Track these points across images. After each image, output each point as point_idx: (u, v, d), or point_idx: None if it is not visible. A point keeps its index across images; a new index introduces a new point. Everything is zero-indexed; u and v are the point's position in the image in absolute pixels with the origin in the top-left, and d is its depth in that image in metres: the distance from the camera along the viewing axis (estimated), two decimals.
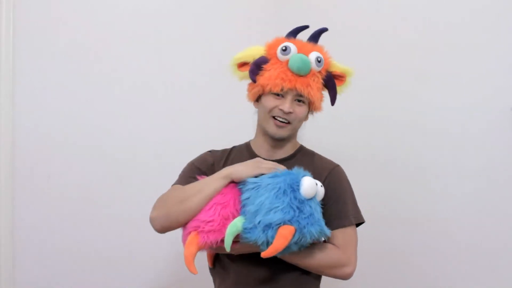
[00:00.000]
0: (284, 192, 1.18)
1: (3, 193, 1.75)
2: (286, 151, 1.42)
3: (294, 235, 1.14)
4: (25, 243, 1.78)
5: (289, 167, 1.29)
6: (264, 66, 1.34)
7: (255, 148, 1.44)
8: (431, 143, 1.82)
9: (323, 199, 1.28)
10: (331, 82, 1.38)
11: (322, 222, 1.21)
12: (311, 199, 1.19)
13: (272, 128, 1.36)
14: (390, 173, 1.94)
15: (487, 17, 1.68)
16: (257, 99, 1.40)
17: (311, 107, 1.37)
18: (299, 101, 1.34)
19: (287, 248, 1.17)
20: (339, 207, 1.33)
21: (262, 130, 1.41)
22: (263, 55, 1.36)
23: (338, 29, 2.10)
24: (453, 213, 1.76)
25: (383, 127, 1.97)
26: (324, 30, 1.40)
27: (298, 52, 1.32)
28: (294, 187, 1.18)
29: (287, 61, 1.31)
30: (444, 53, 1.78)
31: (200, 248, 1.22)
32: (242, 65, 1.38)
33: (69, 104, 1.87)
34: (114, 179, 1.94)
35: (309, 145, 1.49)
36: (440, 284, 1.78)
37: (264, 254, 1.14)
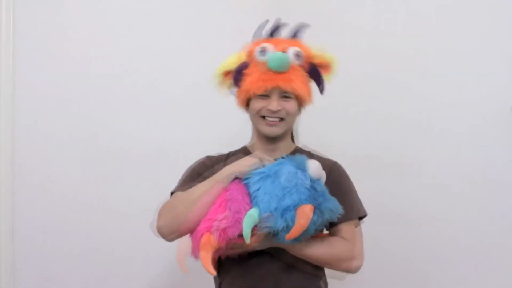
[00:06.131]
0: (294, 174, 1.19)
1: (3, 193, 1.75)
2: (282, 152, 1.42)
3: (314, 213, 1.15)
4: (25, 243, 1.78)
5: None
6: (245, 71, 1.37)
7: (253, 151, 1.45)
8: (429, 142, 1.82)
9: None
10: (316, 73, 1.39)
11: (335, 199, 1.22)
12: (318, 180, 1.21)
13: (264, 128, 1.38)
14: (387, 171, 1.94)
15: (487, 16, 1.69)
16: (247, 104, 1.41)
17: (300, 101, 1.38)
18: (285, 97, 1.36)
19: (304, 232, 1.17)
20: (346, 201, 1.32)
21: (257, 133, 1.43)
22: (245, 60, 1.38)
23: (337, 27, 2.12)
24: (451, 213, 1.75)
25: (381, 126, 1.97)
26: (303, 26, 1.41)
27: (276, 50, 1.33)
28: (303, 169, 1.20)
29: (266, 61, 1.33)
30: (444, 52, 1.78)
31: (215, 248, 1.19)
32: (226, 74, 1.41)
33: (69, 104, 1.87)
34: (114, 179, 1.94)
35: (306, 142, 1.51)
36: (438, 283, 1.79)
37: (290, 236, 1.14)
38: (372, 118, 2.00)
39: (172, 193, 1.41)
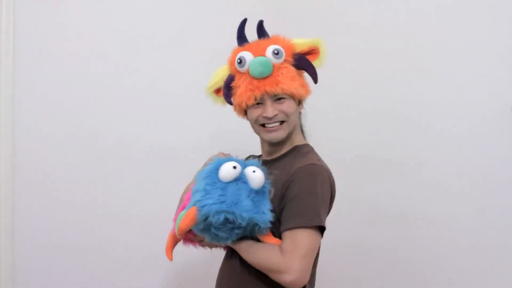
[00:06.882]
0: (203, 177, 1.23)
1: (3, 193, 1.75)
2: (281, 151, 1.39)
3: (198, 216, 1.18)
4: (25, 243, 1.78)
5: (277, 167, 1.30)
6: (232, 84, 1.34)
7: (262, 152, 1.46)
8: (430, 143, 1.82)
9: (283, 200, 1.26)
10: (303, 62, 1.33)
11: (238, 204, 1.18)
12: (232, 182, 1.21)
13: (266, 135, 1.35)
14: (388, 172, 1.94)
15: (487, 16, 1.69)
16: (246, 113, 1.39)
17: (294, 97, 1.33)
18: (279, 99, 1.31)
19: (212, 234, 1.21)
20: (292, 207, 1.23)
21: (261, 137, 1.42)
22: (229, 73, 1.36)
23: (337, 27, 2.13)
24: (451, 213, 1.76)
25: (381, 126, 1.97)
26: (261, 22, 1.37)
27: (255, 57, 1.29)
28: (212, 172, 1.22)
29: (248, 70, 1.30)
30: (444, 52, 1.78)
31: (174, 239, 1.34)
32: (218, 91, 1.40)
33: (69, 104, 1.87)
34: (114, 179, 1.94)
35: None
36: (438, 283, 1.78)
37: (177, 233, 1.23)
38: (372, 118, 2.00)
39: None
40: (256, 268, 1.24)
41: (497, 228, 1.65)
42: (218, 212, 1.17)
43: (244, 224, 1.19)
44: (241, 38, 1.38)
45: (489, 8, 1.68)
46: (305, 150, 1.38)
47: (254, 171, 1.22)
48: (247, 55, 1.30)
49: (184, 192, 1.41)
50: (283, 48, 1.31)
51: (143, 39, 2.01)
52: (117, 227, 1.92)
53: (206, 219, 1.18)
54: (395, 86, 1.93)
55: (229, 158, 1.26)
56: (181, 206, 1.31)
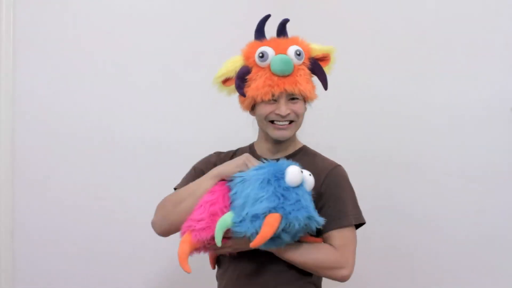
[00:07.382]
0: (268, 181, 1.18)
1: (3, 193, 1.75)
2: (287, 150, 1.41)
3: (281, 223, 1.14)
4: (25, 243, 1.78)
5: None
6: (248, 77, 1.33)
7: (258, 149, 1.44)
8: (430, 143, 1.82)
9: (322, 200, 1.29)
10: (317, 67, 1.36)
11: (311, 209, 1.18)
12: (297, 187, 1.19)
13: (273, 132, 1.35)
14: (388, 172, 1.94)
15: (487, 16, 1.69)
16: (252, 107, 1.39)
17: (306, 99, 1.36)
18: (292, 99, 1.33)
19: (278, 239, 1.17)
20: (338, 207, 1.30)
21: (263, 133, 1.41)
22: (243, 64, 1.35)
23: (337, 27, 2.13)
24: (451, 213, 1.76)
25: (382, 126, 1.97)
26: (286, 21, 1.38)
27: (276, 54, 1.30)
28: (279, 176, 1.18)
29: (269, 66, 1.30)
30: (444, 53, 1.78)
31: (193, 247, 1.23)
32: (226, 80, 1.38)
33: (69, 104, 1.87)
34: (114, 179, 1.94)
35: (308, 144, 1.48)
36: (438, 283, 1.79)
37: (253, 244, 1.14)
38: (372, 118, 2.00)
39: (175, 189, 1.43)
40: (309, 267, 1.28)
41: (497, 228, 1.65)
42: (306, 218, 1.16)
43: (315, 227, 1.20)
44: (260, 32, 1.37)
45: (489, 8, 1.68)
46: (313, 151, 1.44)
47: (310, 174, 1.22)
48: (269, 51, 1.31)
49: (190, 194, 1.32)
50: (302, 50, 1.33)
51: (143, 39, 2.01)
52: (117, 227, 1.92)
53: (287, 225, 1.15)
54: (394, 86, 1.93)
55: (287, 162, 1.22)
56: (208, 212, 1.23)
